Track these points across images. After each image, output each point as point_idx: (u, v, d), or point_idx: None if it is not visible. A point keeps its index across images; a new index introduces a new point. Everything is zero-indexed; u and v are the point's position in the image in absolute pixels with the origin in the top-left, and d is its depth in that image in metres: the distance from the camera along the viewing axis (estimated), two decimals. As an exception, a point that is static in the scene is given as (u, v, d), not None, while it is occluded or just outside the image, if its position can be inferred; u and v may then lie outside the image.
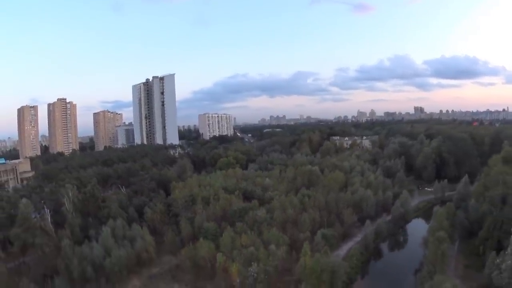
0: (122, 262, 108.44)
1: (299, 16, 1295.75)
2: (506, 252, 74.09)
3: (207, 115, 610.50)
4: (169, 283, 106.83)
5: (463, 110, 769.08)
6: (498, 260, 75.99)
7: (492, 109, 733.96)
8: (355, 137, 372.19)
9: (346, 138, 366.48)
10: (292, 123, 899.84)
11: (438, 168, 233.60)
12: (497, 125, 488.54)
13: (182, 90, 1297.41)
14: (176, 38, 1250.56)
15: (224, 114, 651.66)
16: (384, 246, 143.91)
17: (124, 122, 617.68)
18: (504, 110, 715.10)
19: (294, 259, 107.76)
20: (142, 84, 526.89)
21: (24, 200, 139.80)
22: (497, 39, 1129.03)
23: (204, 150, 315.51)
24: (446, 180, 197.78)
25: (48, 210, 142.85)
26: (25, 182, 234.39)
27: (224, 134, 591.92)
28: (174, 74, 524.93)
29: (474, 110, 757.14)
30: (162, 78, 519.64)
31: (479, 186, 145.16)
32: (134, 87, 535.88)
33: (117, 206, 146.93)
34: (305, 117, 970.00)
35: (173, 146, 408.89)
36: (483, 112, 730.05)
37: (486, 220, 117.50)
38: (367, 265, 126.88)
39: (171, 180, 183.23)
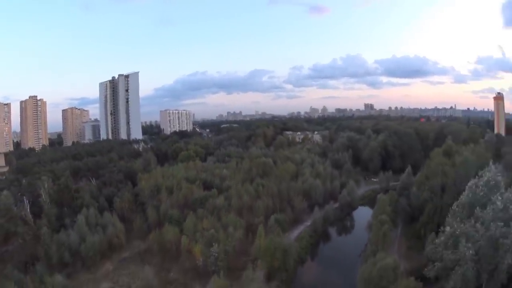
0: (96, 247, 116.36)
1: (257, 17, 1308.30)
2: (441, 230, 78.84)
3: (168, 111, 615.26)
4: (139, 265, 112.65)
5: (412, 107, 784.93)
6: (436, 240, 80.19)
7: (440, 107, 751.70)
8: (307, 132, 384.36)
9: (299, 133, 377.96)
10: (248, 118, 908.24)
11: (383, 161, 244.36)
12: (443, 121, 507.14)
13: (145, 87, 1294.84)
14: (141, 36, 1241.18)
15: (184, 110, 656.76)
16: (333, 231, 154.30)
17: (91, 119, 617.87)
18: (451, 107, 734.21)
19: (250, 241, 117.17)
20: (108, 82, 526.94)
21: (5, 192, 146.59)
22: (447, 40, 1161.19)
23: (166, 144, 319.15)
24: (391, 172, 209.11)
25: (27, 201, 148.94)
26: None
27: (184, 129, 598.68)
28: (138, 72, 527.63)
29: (423, 108, 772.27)
30: (127, 76, 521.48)
31: (421, 176, 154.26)
32: (100, 84, 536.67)
33: (89, 196, 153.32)
34: (260, 113, 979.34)
35: (136, 141, 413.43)
36: (431, 109, 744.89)
37: (427, 206, 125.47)
38: (316, 247, 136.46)
39: (137, 172, 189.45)
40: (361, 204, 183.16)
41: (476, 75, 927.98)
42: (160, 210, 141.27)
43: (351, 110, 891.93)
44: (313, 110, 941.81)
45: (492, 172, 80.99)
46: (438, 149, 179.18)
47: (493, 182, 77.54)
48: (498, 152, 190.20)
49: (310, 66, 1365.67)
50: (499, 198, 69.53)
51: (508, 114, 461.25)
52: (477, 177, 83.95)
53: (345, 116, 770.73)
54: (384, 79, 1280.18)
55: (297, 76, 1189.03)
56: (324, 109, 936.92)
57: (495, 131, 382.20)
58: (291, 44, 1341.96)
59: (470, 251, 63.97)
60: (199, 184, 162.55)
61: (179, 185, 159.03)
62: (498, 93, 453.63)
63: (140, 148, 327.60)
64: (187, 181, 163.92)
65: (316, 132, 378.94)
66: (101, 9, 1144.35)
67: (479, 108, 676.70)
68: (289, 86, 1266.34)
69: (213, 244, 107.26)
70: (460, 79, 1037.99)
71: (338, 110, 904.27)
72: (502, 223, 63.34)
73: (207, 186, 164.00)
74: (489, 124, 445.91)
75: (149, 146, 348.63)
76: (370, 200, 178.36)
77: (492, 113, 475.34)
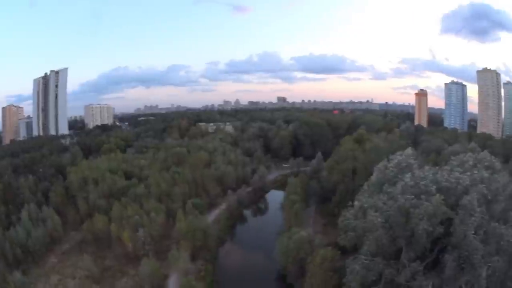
0: (40, 241, 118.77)
1: (181, 15, 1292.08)
2: (350, 205, 79.24)
3: (91, 106, 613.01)
4: (78, 256, 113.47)
5: (327, 100, 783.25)
6: (347, 213, 79.49)
7: (356, 101, 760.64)
8: (219, 123, 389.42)
9: (211, 124, 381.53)
10: (164, 111, 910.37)
11: (294, 149, 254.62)
12: (358, 113, 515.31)
13: (73, 82, 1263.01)
14: (72, 32, 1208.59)
15: (106, 105, 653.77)
16: (248, 213, 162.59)
17: (25, 115, 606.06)
18: (368, 101, 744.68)
19: (171, 225, 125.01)
20: (41, 78, 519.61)
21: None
22: (369, 41, 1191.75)
23: (89, 138, 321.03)
24: (301, 158, 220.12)
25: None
26: None
27: (105, 123, 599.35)
28: (67, 68, 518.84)
29: (338, 101, 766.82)
30: (57, 72, 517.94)
31: (331, 161, 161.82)
32: (34, 80, 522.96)
33: (28, 192, 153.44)
34: (176, 106, 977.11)
35: (63, 136, 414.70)
36: (346, 102, 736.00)
37: (338, 187, 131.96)
38: (234, 228, 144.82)
39: (66, 166, 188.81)
40: (273, 187, 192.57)
41: (399, 73, 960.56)
42: (89, 201, 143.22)
43: (263, 102, 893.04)
44: (226, 102, 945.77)
45: (405, 155, 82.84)
46: (348, 137, 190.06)
47: (405, 164, 79.40)
48: (417, 141, 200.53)
49: (226, 61, 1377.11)
50: (409, 176, 70.85)
51: (433, 108, 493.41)
52: (388, 160, 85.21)
53: (258, 108, 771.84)
54: (299, 74, 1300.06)
55: (213, 71, 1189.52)
56: (237, 101, 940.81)
57: (416, 122, 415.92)
58: (210, 40, 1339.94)
59: (379, 219, 65.82)
60: (121, 175, 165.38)
61: (103, 176, 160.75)
62: (422, 89, 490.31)
63: (67, 143, 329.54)
64: (110, 172, 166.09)
65: (228, 123, 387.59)
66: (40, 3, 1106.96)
67: (399, 103, 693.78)
68: (205, 80, 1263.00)
69: (139, 229, 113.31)
70: (379, 76, 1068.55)
71: (251, 102, 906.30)
72: (413, 196, 64.97)
73: (128, 176, 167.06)
74: (409, 116, 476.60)
75: (75, 140, 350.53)
76: (282, 184, 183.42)
77: (413, 107, 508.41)
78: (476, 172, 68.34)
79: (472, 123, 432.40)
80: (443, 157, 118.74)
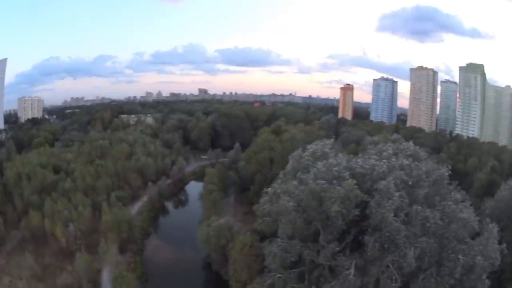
0: None
1: (111, 3, 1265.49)
2: (265, 191, 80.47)
3: (24, 98, 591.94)
4: (21, 255, 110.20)
5: (248, 92, 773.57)
6: (261, 200, 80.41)
7: (278, 93, 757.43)
8: (141, 115, 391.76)
9: (133, 116, 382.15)
10: (89, 103, 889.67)
11: (213, 140, 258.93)
12: (280, 105, 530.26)
13: (8, 74, 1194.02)
14: (8, 20, 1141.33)
15: (36, 97, 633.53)
16: (169, 204, 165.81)
17: None
18: (290, 94, 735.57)
19: (98, 218, 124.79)
20: None
21: None
22: (296, 34, 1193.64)
23: (22, 133, 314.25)
24: (219, 149, 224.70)
25: None
26: None
27: (35, 116, 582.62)
28: (6, 59, 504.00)
29: (260, 93, 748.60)
30: None
31: (248, 152, 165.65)
32: None
33: None
34: (100, 97, 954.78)
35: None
36: (268, 95, 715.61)
37: (256, 177, 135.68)
38: (157, 220, 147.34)
39: (2, 162, 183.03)
40: (193, 179, 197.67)
41: (325, 68, 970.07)
42: (23, 198, 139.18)
43: (185, 94, 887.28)
44: (149, 94, 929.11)
45: (321, 145, 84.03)
46: (266, 128, 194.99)
47: (320, 152, 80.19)
48: (338, 132, 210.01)
49: (152, 52, 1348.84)
50: (322, 163, 72.27)
51: (359, 102, 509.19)
52: (304, 149, 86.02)
53: (179, 100, 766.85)
54: (222, 66, 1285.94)
55: (139, 61, 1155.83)
56: (159, 93, 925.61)
57: (339, 115, 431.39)
58: (138, 30, 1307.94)
59: (291, 203, 67.22)
60: (50, 169, 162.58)
61: (34, 171, 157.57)
62: (348, 84, 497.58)
63: (3, 138, 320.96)
64: (41, 167, 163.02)
65: (149, 115, 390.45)
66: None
67: (323, 97, 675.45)
68: (129, 71, 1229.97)
69: (69, 224, 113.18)
70: (304, 70, 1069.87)
71: (173, 94, 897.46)
72: (324, 181, 65.97)
73: (56, 170, 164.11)
74: (333, 110, 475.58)
75: (9, 135, 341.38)
76: (201, 175, 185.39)
77: (338, 100, 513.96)
78: (395, 160, 71.52)
79: (402, 117, 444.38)
80: (362, 147, 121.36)
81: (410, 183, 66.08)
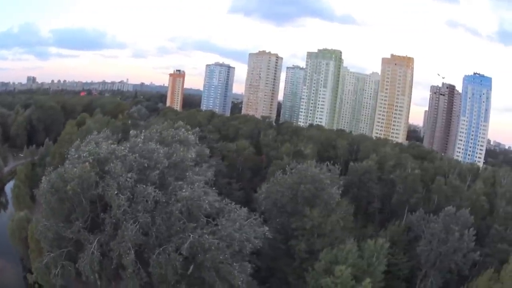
0: None
1: None
2: None
3: None
4: None
5: (77, 80, 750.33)
6: None
7: (109, 81, 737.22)
8: None
9: None
10: None
11: (30, 136, 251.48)
12: (107, 95, 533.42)
13: None
14: None
15: None
16: None
17: None
18: (122, 81, 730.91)
19: None
20: None
21: None
22: (136, 14, 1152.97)
23: None
24: (34, 145, 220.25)
25: None
26: None
27: None
28: None
29: (89, 81, 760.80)
30: None
31: (55, 147, 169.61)
32: None
33: None
34: None
35: None
36: (98, 83, 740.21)
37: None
38: None
39: None
40: (10, 179, 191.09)
41: (164, 52, 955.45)
42: None
43: (13, 83, 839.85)
44: None
45: (100, 137, 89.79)
46: (71, 121, 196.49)
47: (94, 143, 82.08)
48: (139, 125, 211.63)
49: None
50: (73, 150, 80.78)
51: (197, 90, 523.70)
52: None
53: (7, 90, 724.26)
54: (54, 50, 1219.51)
55: None
56: None
57: (168, 104, 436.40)
58: None
59: (47, 185, 72.48)
60: None
61: None
62: (178, 70, 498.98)
63: None
64: None
65: None
66: None
67: (157, 84, 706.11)
68: None
69: None
70: (140, 54, 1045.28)
71: (3, 84, 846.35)
72: (72, 166, 71.94)
73: None
74: (162, 98, 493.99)
75: None
76: None
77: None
78: (141, 145, 78.31)
79: (241, 106, 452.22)
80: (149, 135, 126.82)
81: (146, 165, 72.43)
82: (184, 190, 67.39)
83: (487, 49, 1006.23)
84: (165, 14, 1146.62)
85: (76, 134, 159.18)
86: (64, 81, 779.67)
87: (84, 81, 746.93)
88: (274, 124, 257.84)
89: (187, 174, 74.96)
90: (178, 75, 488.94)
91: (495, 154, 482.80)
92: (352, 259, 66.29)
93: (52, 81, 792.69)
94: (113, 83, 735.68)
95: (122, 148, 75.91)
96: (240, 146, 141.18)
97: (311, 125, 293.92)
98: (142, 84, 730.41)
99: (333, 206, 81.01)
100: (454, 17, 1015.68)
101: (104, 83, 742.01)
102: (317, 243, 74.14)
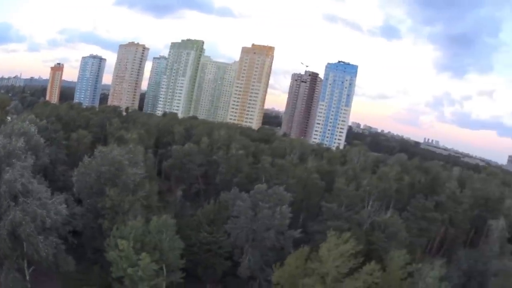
0: None
1: None
2: None
3: None
4: None
5: None
6: None
7: (6, 76, 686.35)
8: None
9: None
10: None
11: None
12: (2, 91, 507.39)
13: None
14: None
15: None
16: None
17: None
18: (16, 76, 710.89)
19: None
20: None
21: None
22: (33, 6, 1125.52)
23: None
24: None
25: None
26: None
27: None
28: None
29: None
30: None
31: None
32: None
33: None
34: None
35: None
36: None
37: None
38: None
39: None
40: None
41: (54, 45, 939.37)
42: None
43: None
44: None
45: None
46: None
47: None
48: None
49: None
50: None
51: (73, 82, 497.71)
52: None
53: None
54: None
55: None
56: None
57: (47, 98, 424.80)
58: None
59: None
60: None
61: None
62: (58, 63, 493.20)
63: None
64: None
65: None
66: None
67: (45, 77, 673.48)
68: None
69: None
70: (34, 48, 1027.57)
71: None
72: None
73: None
74: (43, 92, 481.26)
75: None
76: None
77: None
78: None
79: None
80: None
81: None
82: (8, 174, 69.39)
83: (368, 43, 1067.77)
84: (56, 5, 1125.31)
85: None
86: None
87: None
88: (124, 114, 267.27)
89: (13, 160, 74.53)
90: (57, 68, 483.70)
91: (363, 137, 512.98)
92: (136, 235, 69.00)
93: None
94: (8, 78, 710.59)
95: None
96: (81, 135, 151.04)
97: (164, 114, 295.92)
98: (32, 78, 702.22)
99: (131, 186, 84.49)
100: (334, 12, 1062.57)
101: (2, 79, 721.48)
102: (118, 221, 76.12)
